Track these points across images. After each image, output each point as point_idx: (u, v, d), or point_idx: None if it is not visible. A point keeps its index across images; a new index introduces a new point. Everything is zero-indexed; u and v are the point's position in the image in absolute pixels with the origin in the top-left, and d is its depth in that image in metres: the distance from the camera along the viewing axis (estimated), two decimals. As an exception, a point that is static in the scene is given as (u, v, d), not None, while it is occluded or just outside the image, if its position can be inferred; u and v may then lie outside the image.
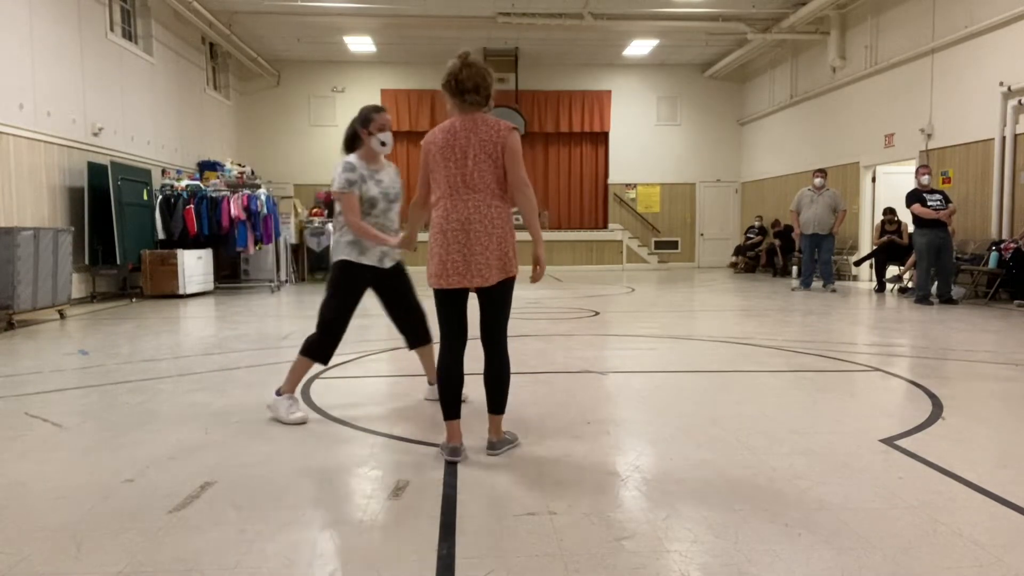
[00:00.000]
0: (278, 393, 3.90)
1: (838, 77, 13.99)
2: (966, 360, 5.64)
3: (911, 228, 11.27)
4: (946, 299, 9.54)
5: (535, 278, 3.23)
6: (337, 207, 3.87)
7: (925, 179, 9.81)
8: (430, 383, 4.20)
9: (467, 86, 3.19)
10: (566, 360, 5.55)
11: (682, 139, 18.88)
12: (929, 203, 9.61)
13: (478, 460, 3.17)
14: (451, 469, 3.04)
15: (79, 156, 10.23)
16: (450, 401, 3.20)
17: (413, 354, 5.92)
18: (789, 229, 14.96)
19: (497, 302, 3.20)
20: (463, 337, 3.28)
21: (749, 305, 9.84)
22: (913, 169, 11.95)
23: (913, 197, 9.82)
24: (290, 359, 5.75)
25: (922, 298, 9.63)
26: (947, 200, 9.67)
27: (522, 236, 3.21)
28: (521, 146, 3.21)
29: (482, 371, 3.26)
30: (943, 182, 10.97)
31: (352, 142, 3.94)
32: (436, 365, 3.29)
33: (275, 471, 3.05)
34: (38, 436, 3.59)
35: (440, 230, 3.15)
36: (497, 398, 3.25)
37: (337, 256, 3.88)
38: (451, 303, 3.23)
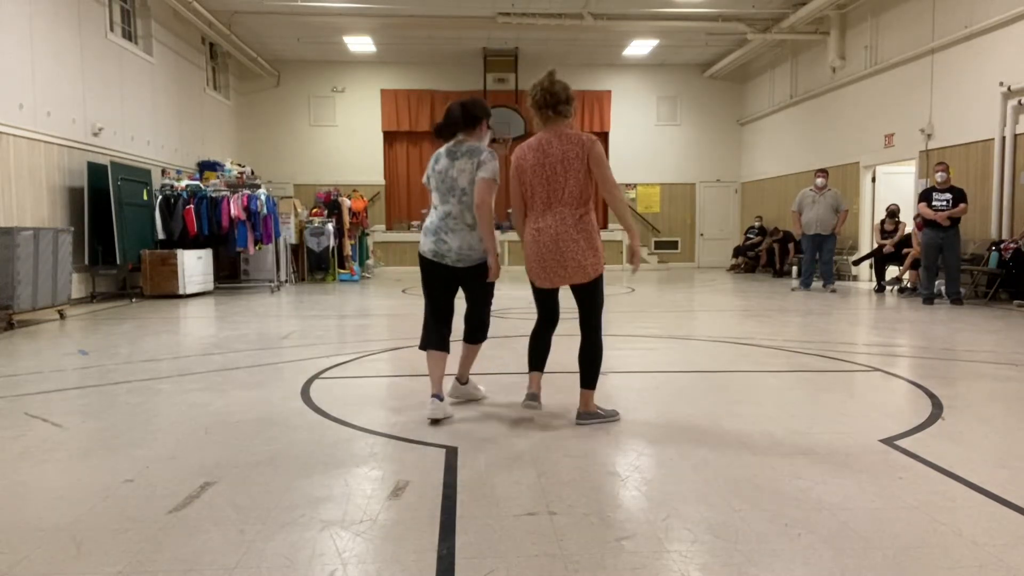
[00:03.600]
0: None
1: (838, 77, 14.00)
2: (966, 360, 5.64)
3: (909, 228, 11.29)
4: (955, 299, 9.47)
5: (635, 267, 3.85)
6: (468, 197, 3.79)
7: (939, 176, 9.67)
8: (459, 381, 4.24)
9: (549, 100, 3.68)
10: (566, 360, 5.54)
11: (682, 139, 18.89)
12: (935, 202, 9.55)
13: (478, 460, 3.17)
14: (451, 469, 3.04)
15: (79, 156, 10.22)
16: (534, 358, 3.90)
17: (413, 354, 5.92)
18: (788, 237, 15.00)
19: (589, 294, 3.74)
20: (554, 321, 3.91)
21: (749, 305, 9.84)
22: (913, 169, 12.01)
23: (921, 195, 9.82)
24: (290, 359, 5.79)
25: (926, 298, 9.62)
26: (959, 199, 9.47)
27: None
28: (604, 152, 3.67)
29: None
30: (947, 183, 10.93)
31: (469, 126, 3.90)
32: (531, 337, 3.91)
33: (275, 471, 3.05)
34: (38, 436, 3.59)
35: (533, 240, 3.69)
36: (586, 374, 3.75)
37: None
38: (544, 297, 3.88)
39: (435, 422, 3.73)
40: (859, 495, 2.74)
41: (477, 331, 4.07)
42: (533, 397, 3.81)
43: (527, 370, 3.91)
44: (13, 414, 4.02)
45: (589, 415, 3.75)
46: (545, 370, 4.12)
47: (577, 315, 3.79)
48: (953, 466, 3.05)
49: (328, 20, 14.58)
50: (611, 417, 3.79)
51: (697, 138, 18.90)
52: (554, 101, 3.65)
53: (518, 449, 3.32)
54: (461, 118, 3.86)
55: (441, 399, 3.79)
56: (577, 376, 3.79)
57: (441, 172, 3.85)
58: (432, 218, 3.89)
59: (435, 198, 3.90)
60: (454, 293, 3.98)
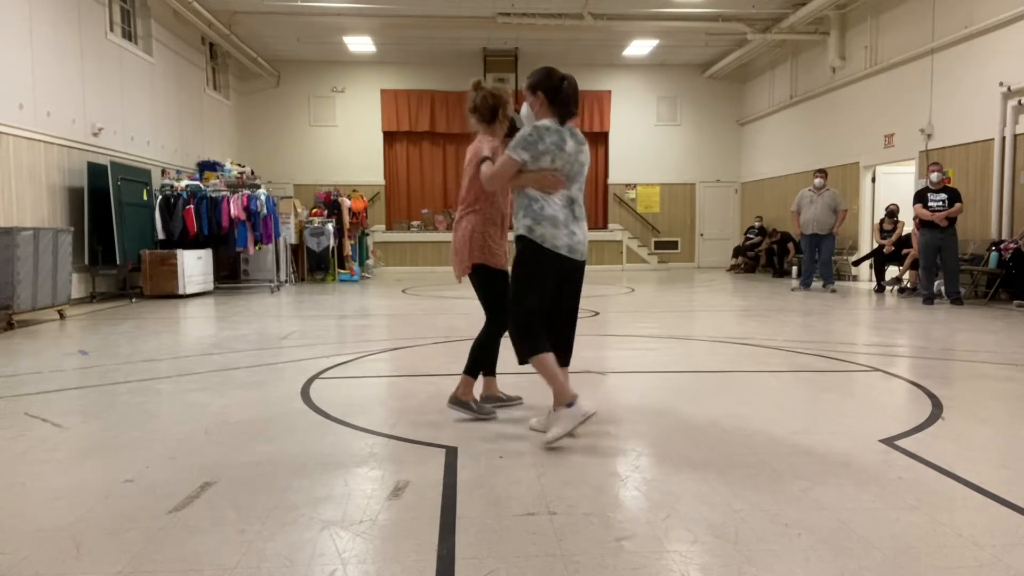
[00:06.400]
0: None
1: (838, 77, 13.99)
2: (966, 360, 5.64)
3: (908, 227, 11.29)
4: (954, 299, 9.46)
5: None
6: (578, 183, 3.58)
7: (934, 176, 9.70)
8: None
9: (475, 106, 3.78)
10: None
11: (682, 139, 18.89)
12: (931, 203, 9.58)
13: (478, 460, 3.17)
14: (451, 469, 3.04)
15: (79, 156, 10.22)
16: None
17: (413, 354, 5.90)
18: (787, 238, 15.01)
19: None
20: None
21: (749, 305, 9.84)
22: (913, 169, 12.01)
23: (916, 197, 9.86)
24: (290, 359, 5.78)
25: (926, 298, 9.63)
26: (954, 199, 9.51)
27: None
28: (485, 148, 3.65)
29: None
30: (944, 183, 10.94)
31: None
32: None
33: (275, 471, 3.05)
34: (38, 436, 3.59)
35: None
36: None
37: None
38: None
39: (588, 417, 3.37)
40: (859, 495, 2.74)
41: (571, 342, 3.68)
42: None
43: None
44: (13, 414, 4.02)
45: (463, 404, 3.84)
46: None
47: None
48: (953, 466, 3.04)
49: (328, 20, 14.58)
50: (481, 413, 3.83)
51: (697, 138, 18.89)
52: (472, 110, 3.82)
53: (518, 449, 3.32)
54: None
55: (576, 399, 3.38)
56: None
57: (571, 155, 3.43)
58: (554, 207, 3.42)
59: None
60: None
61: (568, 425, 3.29)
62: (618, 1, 13.61)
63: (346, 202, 14.62)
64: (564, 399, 3.34)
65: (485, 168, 3.53)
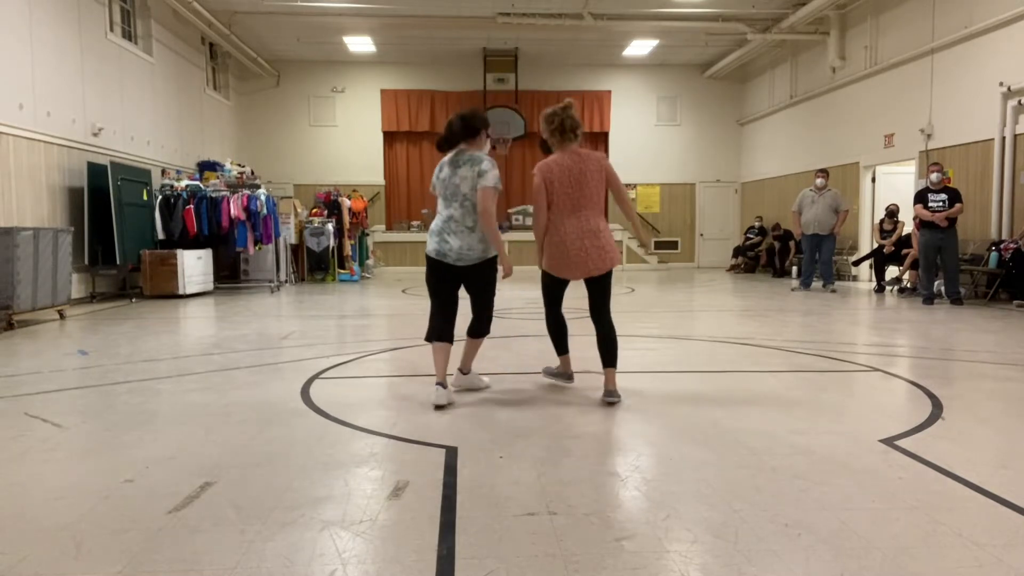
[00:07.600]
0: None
1: (838, 77, 13.99)
2: (966, 360, 5.64)
3: (908, 228, 11.29)
4: (954, 299, 9.46)
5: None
6: (470, 202, 4.13)
7: (934, 177, 9.71)
8: (461, 371, 4.53)
9: (568, 126, 4.23)
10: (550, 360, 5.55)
11: (682, 139, 18.89)
12: (931, 203, 9.58)
13: (478, 460, 3.17)
14: (451, 469, 3.04)
15: (79, 156, 10.22)
16: (560, 341, 4.60)
17: (413, 354, 5.93)
18: (788, 235, 15.01)
19: (610, 283, 4.37)
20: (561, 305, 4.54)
21: (749, 305, 9.84)
22: (913, 169, 12.01)
23: (916, 197, 9.87)
24: (290, 359, 5.78)
25: (926, 298, 9.63)
26: (954, 200, 9.50)
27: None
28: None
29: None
30: (944, 183, 10.94)
31: (469, 137, 4.20)
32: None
33: (275, 471, 3.05)
34: (38, 436, 3.59)
35: (577, 235, 4.15)
36: (613, 355, 4.30)
37: (491, 253, 4.24)
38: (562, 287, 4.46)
39: (438, 407, 4.04)
40: (859, 495, 2.74)
41: (479, 324, 4.37)
42: (569, 377, 4.64)
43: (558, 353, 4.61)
44: (13, 414, 4.02)
45: (613, 392, 4.21)
46: (540, 370, 4.37)
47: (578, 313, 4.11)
48: (953, 466, 3.05)
49: (328, 20, 14.58)
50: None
51: (697, 138, 18.90)
52: (574, 126, 4.26)
53: (518, 449, 3.32)
54: (461, 131, 4.18)
55: (444, 387, 4.13)
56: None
57: (444, 180, 4.22)
58: (437, 221, 4.27)
59: (439, 203, 4.28)
60: (456, 290, 4.32)
61: (434, 396, 4.09)
62: (618, 1, 13.60)
63: (346, 202, 14.61)
64: (436, 379, 4.17)
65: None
